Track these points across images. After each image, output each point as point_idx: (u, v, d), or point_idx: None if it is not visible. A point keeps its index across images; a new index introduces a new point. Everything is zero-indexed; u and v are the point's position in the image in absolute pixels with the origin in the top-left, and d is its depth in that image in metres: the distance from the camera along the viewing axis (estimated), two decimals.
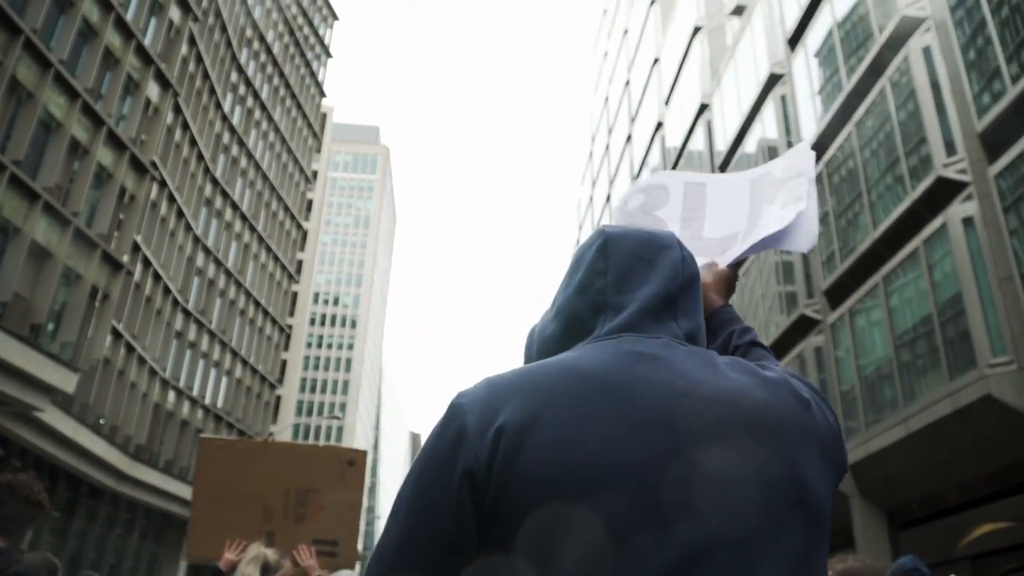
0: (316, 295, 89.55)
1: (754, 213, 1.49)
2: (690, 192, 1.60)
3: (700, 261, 1.43)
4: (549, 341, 1.09)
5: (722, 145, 22.20)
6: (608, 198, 38.56)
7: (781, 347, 16.90)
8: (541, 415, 0.90)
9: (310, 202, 62.53)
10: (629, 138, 35.25)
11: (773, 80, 18.86)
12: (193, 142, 32.86)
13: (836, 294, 14.78)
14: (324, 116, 65.84)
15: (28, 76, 18.83)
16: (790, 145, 18.06)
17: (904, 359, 12.06)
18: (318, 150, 65.21)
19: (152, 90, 25.08)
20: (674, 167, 27.53)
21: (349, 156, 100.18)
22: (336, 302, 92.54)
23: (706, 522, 0.86)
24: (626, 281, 1.07)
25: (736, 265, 1.45)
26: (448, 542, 0.89)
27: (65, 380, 19.84)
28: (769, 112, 18.53)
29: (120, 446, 26.99)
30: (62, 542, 26.24)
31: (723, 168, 22.17)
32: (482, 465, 0.89)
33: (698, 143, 24.67)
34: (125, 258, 23.54)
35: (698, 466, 0.88)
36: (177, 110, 30.73)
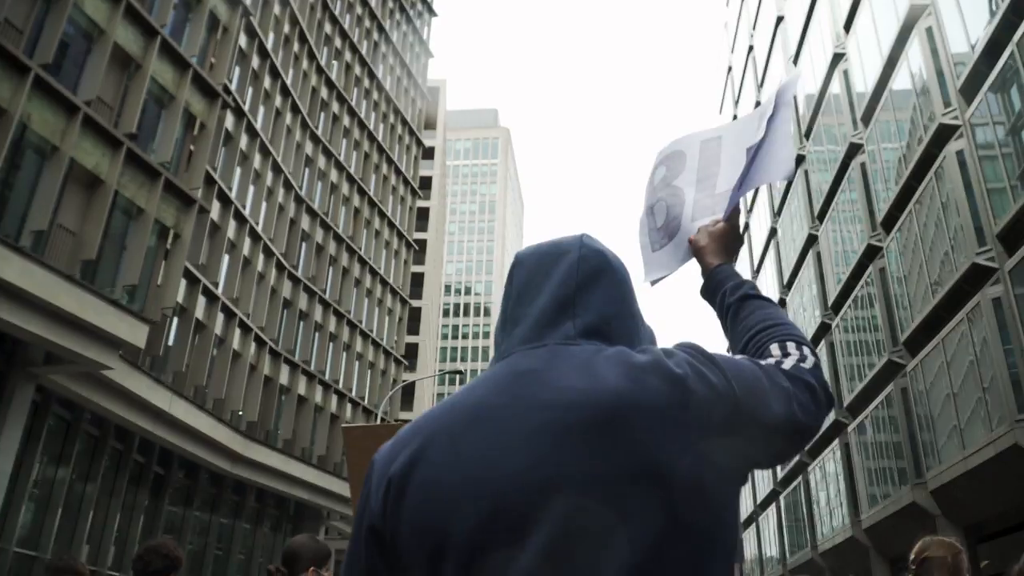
0: (448, 286, 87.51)
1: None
2: (706, 150, 1.55)
3: (708, 220, 1.42)
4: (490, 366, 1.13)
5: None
6: None
7: (951, 304, 14.55)
8: (420, 458, 0.99)
9: (427, 179, 59.60)
10: (757, 104, 30.39)
11: None
12: (286, 92, 29.92)
13: (1012, 236, 12.31)
14: (436, 91, 62.89)
15: None
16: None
17: None
18: (431, 126, 62.28)
19: (217, 5, 21.83)
20: (810, 128, 22.48)
21: (469, 142, 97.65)
22: (468, 291, 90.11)
23: (552, 528, 0.91)
24: (525, 296, 1.11)
25: (732, 216, 1.39)
26: None
27: (133, 331, 16.64)
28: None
29: (229, 423, 24.06)
30: (179, 537, 23.60)
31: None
32: (379, 517, 1.00)
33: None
34: (199, 193, 20.27)
35: (550, 473, 0.93)
36: (264, 54, 27.81)
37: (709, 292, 1.35)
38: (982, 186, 13.39)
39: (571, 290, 1.09)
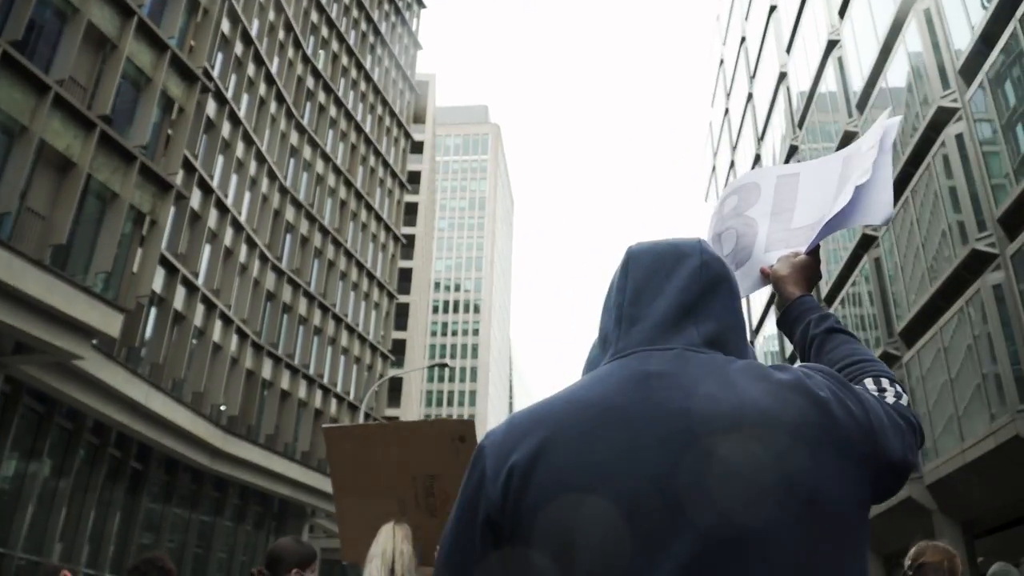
0: (437, 283, 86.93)
1: (837, 194, 1.49)
2: (783, 185, 1.59)
3: (784, 252, 1.45)
4: (592, 361, 1.16)
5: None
6: (732, 164, 35.10)
7: (949, 292, 14.12)
8: (546, 450, 0.96)
9: (416, 173, 59.01)
10: (749, 97, 30.27)
11: None
12: (271, 81, 29.32)
13: (1013, 220, 11.85)
14: (426, 85, 62.28)
15: None
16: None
17: None
18: (420, 120, 61.72)
19: None
20: (803, 117, 22.12)
21: (459, 138, 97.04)
22: (457, 288, 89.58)
23: (700, 537, 0.89)
24: (642, 294, 1.09)
25: (815, 251, 1.42)
26: None
27: (106, 320, 16.05)
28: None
29: (209, 417, 23.48)
30: (157, 535, 23.00)
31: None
32: (497, 507, 0.97)
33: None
34: (177, 180, 19.69)
35: (692, 483, 0.91)
36: (248, 41, 27.21)
37: (790, 321, 1.35)
38: (982, 170, 13.00)
39: (695, 296, 1.07)
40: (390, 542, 2.95)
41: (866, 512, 0.97)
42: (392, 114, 42.91)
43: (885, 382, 1.15)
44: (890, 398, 1.11)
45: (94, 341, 16.64)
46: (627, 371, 1.02)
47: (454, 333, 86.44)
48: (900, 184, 16.27)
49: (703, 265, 1.09)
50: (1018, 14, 11.49)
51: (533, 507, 0.94)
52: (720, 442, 0.92)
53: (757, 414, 0.93)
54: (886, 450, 1.00)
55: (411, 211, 56.88)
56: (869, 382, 1.15)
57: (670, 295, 1.07)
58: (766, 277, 1.46)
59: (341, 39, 36.69)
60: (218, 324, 24.53)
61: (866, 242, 18.45)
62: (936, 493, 15.03)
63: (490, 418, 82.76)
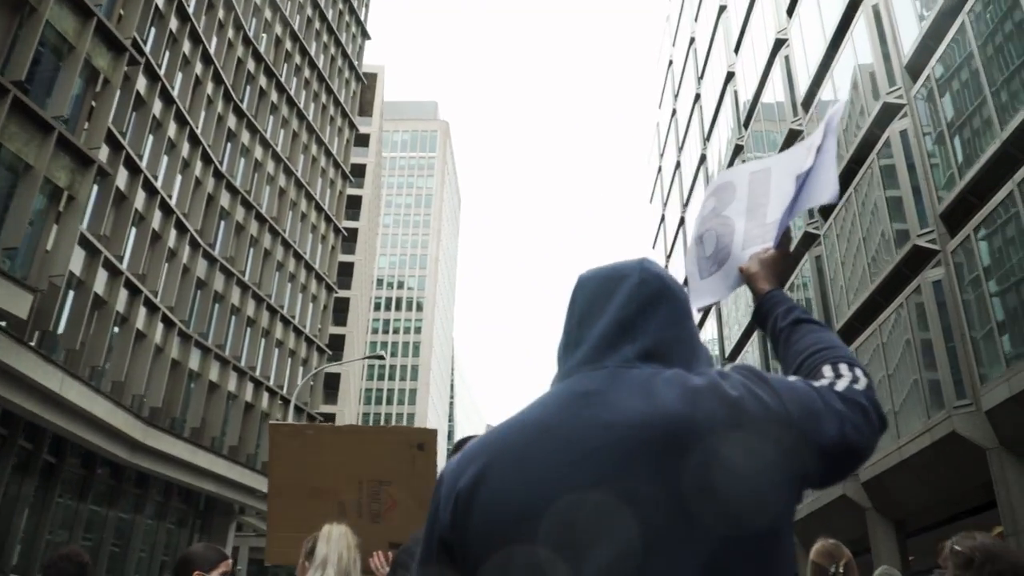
0: (380, 280, 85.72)
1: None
2: (756, 181, 1.60)
3: (758, 248, 1.46)
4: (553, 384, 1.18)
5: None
6: (677, 164, 35.03)
7: (889, 289, 14.12)
8: (486, 474, 1.02)
9: (361, 167, 57.92)
10: (697, 97, 30.44)
11: None
12: (208, 60, 28.15)
13: (955, 217, 11.96)
14: (374, 77, 61.23)
15: None
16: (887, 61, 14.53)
17: None
18: (366, 113, 60.66)
19: None
20: (749, 117, 22.28)
21: (407, 134, 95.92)
22: (400, 285, 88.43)
23: (616, 544, 0.94)
24: (587, 317, 1.14)
25: (783, 243, 1.44)
26: None
27: (14, 300, 14.97)
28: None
29: (129, 408, 22.29)
30: (70, 532, 21.70)
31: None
32: (447, 529, 1.05)
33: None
34: (102, 156, 18.58)
35: (612, 492, 0.96)
36: (184, 17, 26.05)
37: (761, 316, 1.38)
38: (926, 166, 12.99)
39: (631, 313, 1.11)
40: (345, 549, 2.88)
41: (787, 505, 0.98)
42: (337, 103, 41.90)
43: (843, 367, 1.15)
44: (843, 384, 1.11)
45: (1, 323, 15.53)
46: (564, 392, 1.06)
47: (396, 331, 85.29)
48: (844, 181, 16.27)
49: (641, 283, 1.12)
50: (965, 8, 11.47)
51: (475, 529, 1.00)
52: (637, 450, 0.96)
53: (669, 420, 0.97)
54: (814, 435, 1.01)
55: (354, 204, 55.81)
56: (827, 369, 1.15)
57: (608, 315, 1.11)
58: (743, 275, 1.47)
59: (285, 23, 35.61)
60: (142, 311, 23.35)
61: (808, 240, 18.47)
62: (871, 491, 15.03)
63: (430, 417, 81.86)
